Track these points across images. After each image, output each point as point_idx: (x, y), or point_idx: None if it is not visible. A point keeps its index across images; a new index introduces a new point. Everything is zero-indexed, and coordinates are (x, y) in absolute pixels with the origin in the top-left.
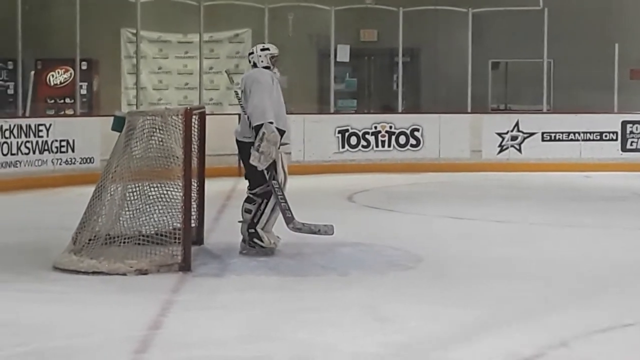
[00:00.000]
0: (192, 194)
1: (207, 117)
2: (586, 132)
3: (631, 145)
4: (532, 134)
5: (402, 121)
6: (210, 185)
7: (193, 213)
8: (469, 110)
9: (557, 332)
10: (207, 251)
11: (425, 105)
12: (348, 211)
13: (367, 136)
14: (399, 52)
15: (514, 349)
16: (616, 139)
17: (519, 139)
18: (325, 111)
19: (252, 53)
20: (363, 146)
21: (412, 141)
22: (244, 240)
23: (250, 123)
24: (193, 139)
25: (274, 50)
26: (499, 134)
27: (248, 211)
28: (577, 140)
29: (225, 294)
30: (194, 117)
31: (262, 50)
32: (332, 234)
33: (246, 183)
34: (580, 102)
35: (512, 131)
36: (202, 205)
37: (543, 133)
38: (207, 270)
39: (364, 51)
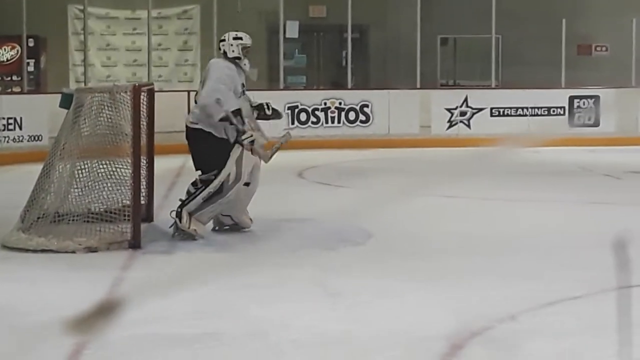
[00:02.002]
0: (142, 171)
1: (155, 94)
2: (534, 108)
3: (578, 120)
4: (480, 110)
5: (351, 97)
6: (160, 163)
7: (142, 190)
8: (418, 86)
9: (507, 305)
10: (156, 228)
11: (374, 81)
12: (298, 187)
13: (316, 112)
14: (348, 28)
15: (464, 322)
16: (564, 114)
17: (468, 115)
18: (274, 87)
19: (224, 40)
20: (313, 122)
21: (362, 117)
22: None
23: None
24: (142, 116)
25: (246, 40)
26: (448, 110)
27: (188, 192)
28: (525, 115)
29: (175, 270)
30: (142, 94)
31: (234, 39)
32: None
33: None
34: (528, 77)
35: (461, 107)
36: (152, 183)
37: (492, 108)
38: (156, 248)
39: (313, 27)
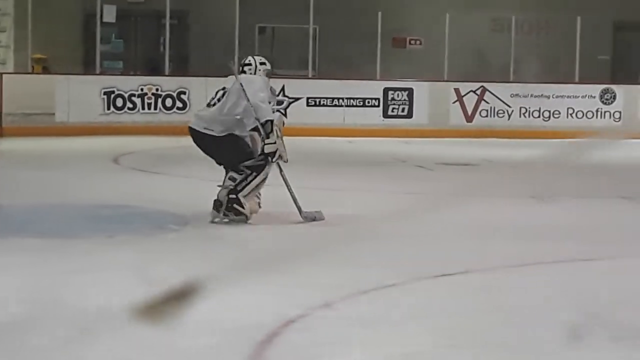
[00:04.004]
0: None
1: None
2: (350, 98)
3: (392, 111)
4: (297, 99)
5: (168, 84)
6: None
7: None
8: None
9: (323, 293)
10: None
11: (192, 68)
12: (114, 173)
13: (133, 98)
14: (167, 14)
15: (280, 310)
16: (378, 106)
17: (285, 104)
18: (90, 72)
19: (250, 64)
20: (129, 108)
21: (179, 104)
22: (216, 208)
23: (257, 118)
24: None
25: (268, 65)
26: None
27: (232, 179)
28: (341, 106)
29: None
30: None
31: (260, 64)
32: (323, 219)
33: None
34: (344, 69)
35: (277, 96)
36: None
37: (308, 98)
38: None
39: (131, 12)
